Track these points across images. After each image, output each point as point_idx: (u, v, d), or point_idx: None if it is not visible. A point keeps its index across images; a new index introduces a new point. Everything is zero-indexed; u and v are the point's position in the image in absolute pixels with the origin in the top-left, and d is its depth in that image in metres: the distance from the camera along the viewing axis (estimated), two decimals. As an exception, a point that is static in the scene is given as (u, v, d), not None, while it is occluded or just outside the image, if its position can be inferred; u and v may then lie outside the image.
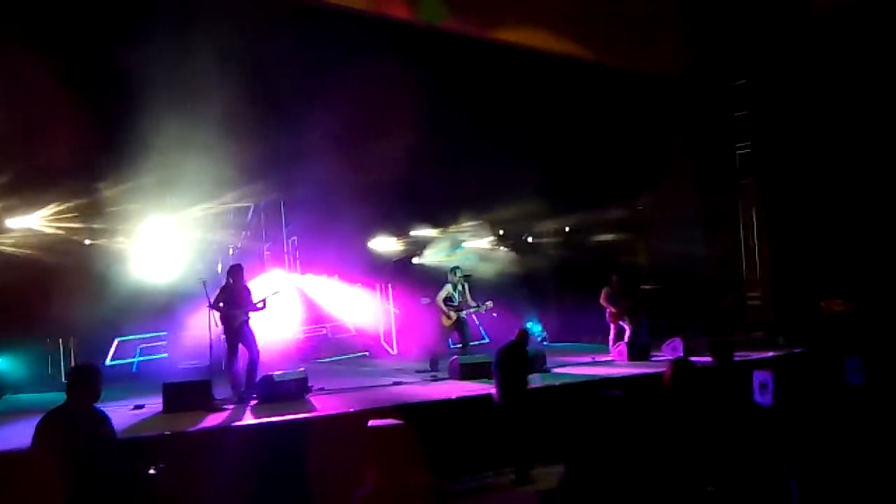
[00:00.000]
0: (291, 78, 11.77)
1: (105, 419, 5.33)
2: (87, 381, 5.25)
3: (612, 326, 13.36)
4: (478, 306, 12.13)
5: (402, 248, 16.34)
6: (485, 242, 17.08)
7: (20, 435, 7.14)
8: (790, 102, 14.74)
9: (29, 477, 5.06)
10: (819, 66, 14.18)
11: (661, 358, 12.52)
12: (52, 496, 4.84)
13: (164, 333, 12.71)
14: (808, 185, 14.73)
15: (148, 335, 12.69)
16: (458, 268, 12.48)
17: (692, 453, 4.66)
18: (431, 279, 14.02)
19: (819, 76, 14.23)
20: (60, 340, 11.68)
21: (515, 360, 8.50)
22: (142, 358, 12.44)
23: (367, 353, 15.24)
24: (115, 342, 12.24)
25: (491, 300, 12.18)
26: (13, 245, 11.35)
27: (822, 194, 14.56)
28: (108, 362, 12.02)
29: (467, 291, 12.23)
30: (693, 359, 11.48)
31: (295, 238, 14.97)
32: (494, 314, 12.82)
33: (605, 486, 4.07)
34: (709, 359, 7.72)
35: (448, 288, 12.11)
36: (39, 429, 5.06)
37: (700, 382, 5.50)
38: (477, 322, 14.72)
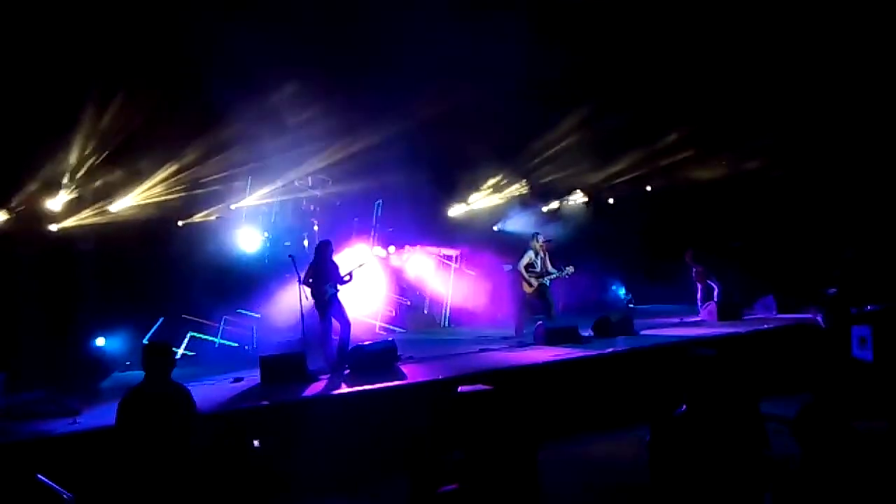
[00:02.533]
0: (372, 46, 11.76)
1: (183, 392, 5.49)
2: (160, 358, 5.45)
3: (699, 286, 13.09)
4: (559, 272, 12.04)
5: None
6: (566, 206, 16.94)
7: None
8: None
9: (116, 452, 5.35)
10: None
11: (754, 316, 12.19)
12: (139, 469, 5.12)
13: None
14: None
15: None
16: (538, 234, 12.36)
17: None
18: (513, 246, 13.99)
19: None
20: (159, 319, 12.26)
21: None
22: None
23: (452, 322, 15.44)
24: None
25: (572, 265, 12.05)
26: (112, 229, 11.97)
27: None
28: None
29: (547, 258, 12.14)
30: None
31: (380, 211, 15.16)
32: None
33: (699, 442, 4.05)
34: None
35: (530, 254, 12.04)
36: (121, 407, 5.31)
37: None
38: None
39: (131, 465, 5.13)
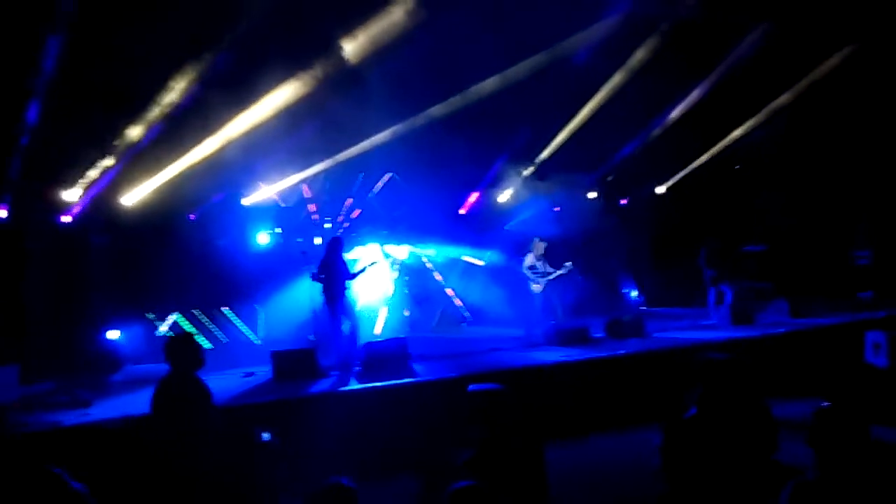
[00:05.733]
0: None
1: (199, 387, 5.45)
2: (183, 350, 5.41)
3: (712, 290, 13.00)
4: (559, 271, 12.08)
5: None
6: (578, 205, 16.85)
7: (137, 402, 7.69)
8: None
9: (147, 442, 5.39)
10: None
11: (766, 321, 12.11)
12: (168, 461, 5.14)
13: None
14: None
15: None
16: (537, 236, 12.44)
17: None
18: (522, 245, 13.95)
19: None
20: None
21: None
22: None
23: (465, 322, 15.44)
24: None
25: (570, 261, 12.08)
26: (125, 221, 11.99)
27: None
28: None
29: (545, 259, 12.18)
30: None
31: (395, 209, 15.15)
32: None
33: (709, 445, 4.03)
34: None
35: (530, 257, 12.16)
36: (154, 397, 5.35)
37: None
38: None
39: (160, 456, 5.16)
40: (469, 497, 3.30)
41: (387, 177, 14.83)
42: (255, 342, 13.02)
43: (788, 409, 6.29)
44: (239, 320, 13.15)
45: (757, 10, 12.21)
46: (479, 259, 15.80)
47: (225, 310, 13.10)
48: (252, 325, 13.26)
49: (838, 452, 3.19)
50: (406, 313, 14.43)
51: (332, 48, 10.76)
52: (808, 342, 10.27)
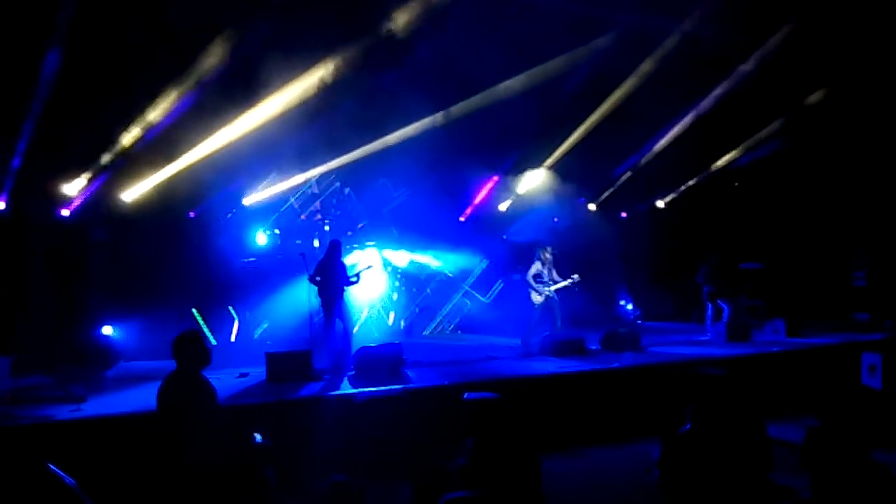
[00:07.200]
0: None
1: (205, 385, 5.41)
2: (191, 349, 5.35)
3: (709, 306, 12.99)
4: (566, 282, 12.04)
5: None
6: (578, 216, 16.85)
7: (131, 399, 7.64)
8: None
9: (152, 438, 5.37)
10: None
11: (763, 339, 12.11)
12: (172, 458, 5.12)
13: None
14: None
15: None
16: (545, 244, 12.37)
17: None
18: (523, 254, 13.93)
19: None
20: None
21: None
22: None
23: (460, 330, 15.43)
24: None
25: (577, 273, 12.02)
26: (125, 218, 11.96)
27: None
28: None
29: (553, 268, 12.12)
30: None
31: (388, 215, 15.13)
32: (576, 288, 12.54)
33: (703, 461, 4.01)
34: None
35: (537, 265, 12.05)
36: (160, 395, 5.31)
37: None
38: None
39: (167, 453, 5.14)
40: (463, 507, 3.28)
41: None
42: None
43: (784, 429, 6.30)
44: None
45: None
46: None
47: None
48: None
49: (832, 472, 3.18)
50: (391, 321, 14.38)
51: (354, 37, 10.83)
52: (804, 362, 10.27)
